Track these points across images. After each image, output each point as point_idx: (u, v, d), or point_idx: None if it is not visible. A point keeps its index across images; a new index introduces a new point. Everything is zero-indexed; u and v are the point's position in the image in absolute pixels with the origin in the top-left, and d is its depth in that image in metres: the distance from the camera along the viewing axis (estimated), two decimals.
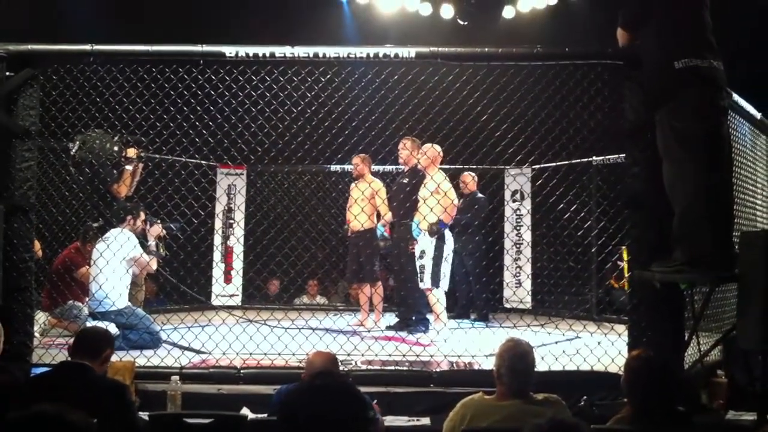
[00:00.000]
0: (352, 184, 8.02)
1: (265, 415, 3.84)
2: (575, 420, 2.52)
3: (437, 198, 6.65)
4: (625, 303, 6.76)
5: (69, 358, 3.74)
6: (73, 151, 6.49)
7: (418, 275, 6.74)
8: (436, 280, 6.69)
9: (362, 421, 2.32)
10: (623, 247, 8.49)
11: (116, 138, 6.54)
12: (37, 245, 6.64)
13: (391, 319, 7.91)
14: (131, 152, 6.68)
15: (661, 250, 4.52)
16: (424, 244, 6.71)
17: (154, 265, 6.75)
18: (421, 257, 6.72)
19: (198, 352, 5.80)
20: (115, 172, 6.64)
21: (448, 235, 6.83)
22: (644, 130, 4.65)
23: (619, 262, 8.89)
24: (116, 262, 6.17)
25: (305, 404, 2.25)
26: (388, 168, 9.07)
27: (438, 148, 6.97)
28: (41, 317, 6.68)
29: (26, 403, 2.18)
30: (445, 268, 6.78)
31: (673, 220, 4.37)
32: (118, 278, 6.24)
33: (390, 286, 8.86)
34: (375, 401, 3.83)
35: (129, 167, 6.70)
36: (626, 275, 8.55)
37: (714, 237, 4.28)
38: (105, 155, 6.52)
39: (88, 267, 6.74)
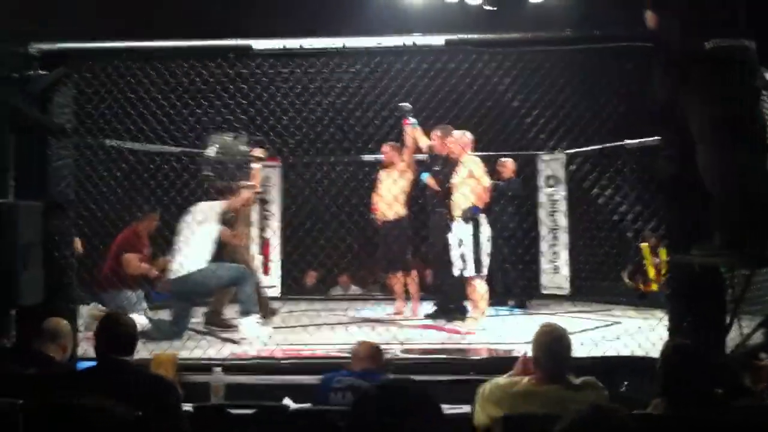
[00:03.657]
0: (382, 172, 7.97)
1: (308, 404, 3.86)
2: (614, 405, 2.50)
3: (470, 183, 6.62)
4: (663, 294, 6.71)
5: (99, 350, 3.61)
6: (212, 154, 6.69)
7: (459, 265, 6.70)
8: (479, 267, 6.67)
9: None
10: (643, 245, 8.44)
11: (244, 140, 6.79)
12: (77, 242, 6.77)
13: (429, 307, 7.89)
14: (258, 152, 6.99)
15: (699, 233, 4.47)
16: (461, 232, 6.68)
17: (237, 241, 6.99)
18: (459, 246, 6.68)
19: (239, 343, 5.86)
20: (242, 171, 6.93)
21: (483, 220, 6.79)
22: (676, 113, 4.60)
23: (642, 262, 8.82)
24: (199, 227, 6.36)
25: (387, 411, 2.24)
26: (420, 156, 9.03)
27: (468, 134, 6.92)
28: (85, 310, 6.74)
29: (74, 396, 2.22)
30: (485, 254, 6.75)
31: (711, 203, 4.32)
32: (200, 242, 6.36)
33: (426, 274, 8.85)
34: None
35: (257, 165, 7.02)
36: (652, 275, 8.52)
37: (752, 219, 4.22)
38: (239, 156, 6.76)
39: (137, 254, 6.88)
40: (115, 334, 3.58)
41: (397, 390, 2.30)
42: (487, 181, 6.90)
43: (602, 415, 2.25)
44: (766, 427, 3.21)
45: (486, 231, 6.79)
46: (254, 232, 9.12)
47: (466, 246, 6.65)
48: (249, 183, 6.84)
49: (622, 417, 2.26)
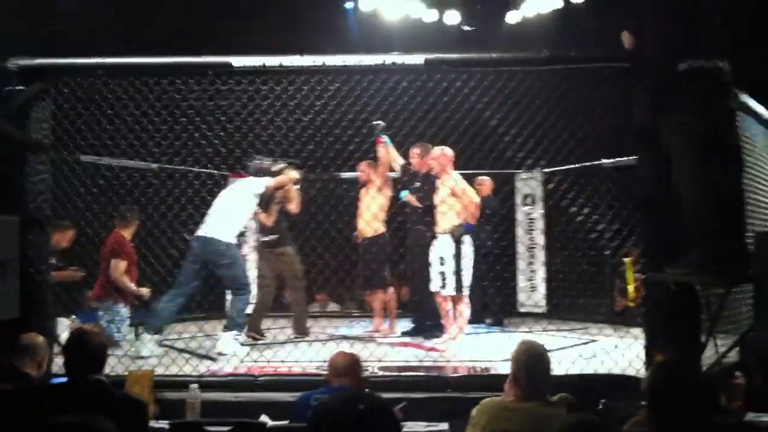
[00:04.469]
0: (362, 190, 8.00)
1: (286, 422, 3.85)
2: (602, 420, 2.51)
3: (451, 201, 6.63)
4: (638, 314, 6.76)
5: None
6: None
7: (441, 283, 6.71)
8: (459, 287, 6.67)
9: None
10: (626, 260, 8.49)
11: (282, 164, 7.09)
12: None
13: (407, 324, 7.88)
14: (295, 174, 7.22)
15: (675, 251, 4.51)
16: (443, 250, 6.70)
17: (269, 221, 7.33)
18: (441, 263, 6.69)
19: (216, 360, 5.82)
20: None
21: (467, 238, 6.80)
22: (653, 132, 4.65)
23: (621, 279, 8.84)
24: (234, 199, 6.49)
25: (343, 424, 2.24)
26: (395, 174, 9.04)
27: (449, 151, 6.92)
28: (64, 324, 6.63)
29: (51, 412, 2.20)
30: (467, 271, 6.75)
31: (686, 221, 4.36)
32: (232, 214, 6.42)
33: (404, 292, 8.84)
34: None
35: (296, 186, 7.36)
36: (630, 292, 8.56)
37: (728, 238, 4.27)
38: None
39: (125, 261, 6.85)
40: (85, 352, 3.52)
41: (352, 402, 2.30)
42: (476, 197, 6.90)
43: (589, 427, 2.25)
44: None
45: (468, 249, 6.81)
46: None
47: (447, 264, 6.65)
48: (292, 163, 7.13)
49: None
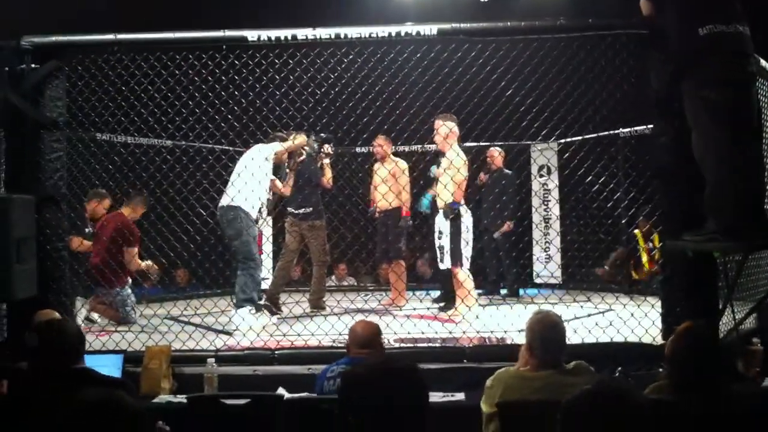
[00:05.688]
0: (376, 165, 8.00)
1: (304, 393, 3.88)
2: (622, 384, 2.49)
3: (450, 175, 6.57)
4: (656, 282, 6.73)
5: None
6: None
7: (438, 256, 6.71)
8: (456, 259, 6.64)
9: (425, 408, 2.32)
10: (636, 232, 8.44)
11: (313, 137, 7.23)
12: (84, 242, 6.77)
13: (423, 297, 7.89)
14: (327, 148, 7.37)
15: (692, 219, 4.48)
16: (440, 223, 6.68)
17: (286, 191, 7.32)
18: (439, 237, 6.68)
19: (232, 334, 5.86)
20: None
21: (464, 211, 6.75)
22: (671, 100, 4.60)
23: (637, 248, 8.80)
24: (256, 162, 6.47)
25: (372, 388, 2.23)
26: (414, 147, 9.01)
27: (450, 124, 6.81)
28: (83, 304, 6.64)
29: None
30: (465, 246, 6.72)
31: (705, 189, 4.32)
32: (249, 178, 6.39)
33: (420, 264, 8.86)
34: None
35: (327, 161, 7.47)
36: (645, 262, 8.54)
37: (746, 205, 4.23)
38: (312, 153, 7.27)
39: (136, 247, 6.83)
40: (61, 344, 3.31)
41: (380, 367, 2.30)
42: (462, 176, 6.77)
43: (608, 391, 2.24)
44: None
45: (467, 222, 6.74)
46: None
47: (444, 237, 6.64)
48: (324, 137, 7.28)
49: (637, 397, 2.26)
